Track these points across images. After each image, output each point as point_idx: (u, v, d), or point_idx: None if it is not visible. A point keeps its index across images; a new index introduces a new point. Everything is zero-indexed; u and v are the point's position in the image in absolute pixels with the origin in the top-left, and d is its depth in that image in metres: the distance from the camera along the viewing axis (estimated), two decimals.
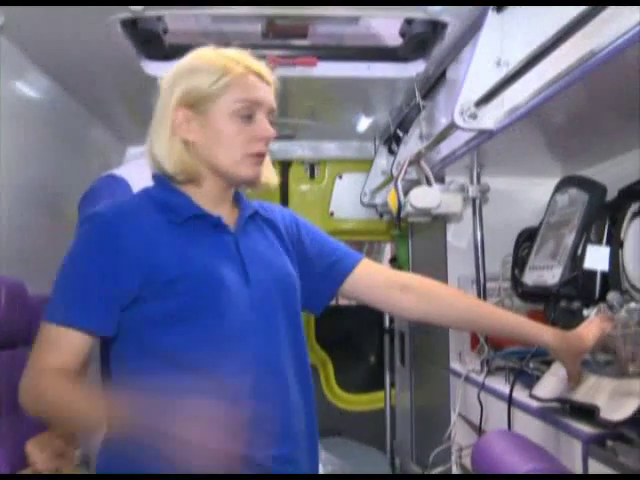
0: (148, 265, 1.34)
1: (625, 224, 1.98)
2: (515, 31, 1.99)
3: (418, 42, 2.60)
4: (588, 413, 1.56)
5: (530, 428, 1.83)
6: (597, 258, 2.04)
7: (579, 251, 2.12)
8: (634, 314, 1.71)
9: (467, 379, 2.48)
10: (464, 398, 2.51)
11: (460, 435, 2.56)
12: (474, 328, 2.14)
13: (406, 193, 2.72)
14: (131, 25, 2.38)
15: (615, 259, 1.98)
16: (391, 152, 3.61)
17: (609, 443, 1.45)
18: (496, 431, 1.81)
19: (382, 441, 4.70)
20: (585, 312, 1.93)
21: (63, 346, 1.32)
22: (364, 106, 3.55)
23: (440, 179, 2.79)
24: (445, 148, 2.57)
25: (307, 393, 1.48)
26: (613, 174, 2.23)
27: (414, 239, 3.70)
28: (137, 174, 2.06)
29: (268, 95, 1.44)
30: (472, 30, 2.21)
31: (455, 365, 2.74)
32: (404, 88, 3.03)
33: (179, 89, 1.43)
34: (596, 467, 1.46)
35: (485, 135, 2.14)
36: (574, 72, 1.60)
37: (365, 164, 4.11)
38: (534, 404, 1.82)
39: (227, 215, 1.48)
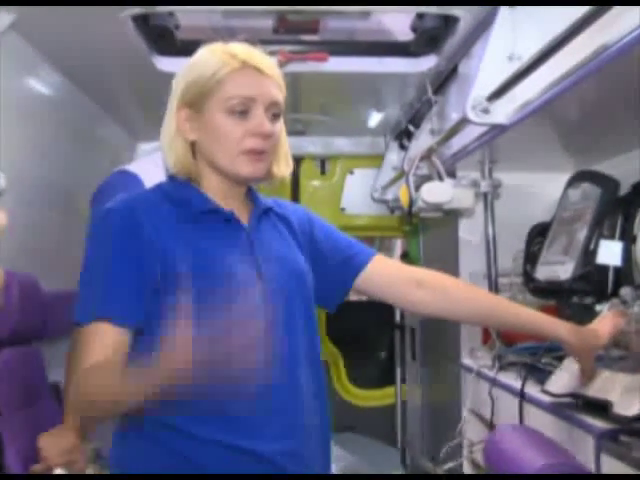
0: (164, 259, 1.34)
1: (638, 219, 1.97)
2: (527, 25, 1.99)
3: (429, 37, 2.59)
4: (601, 408, 1.56)
5: (542, 423, 1.82)
6: (610, 253, 2.03)
7: (592, 246, 2.11)
8: None
9: (478, 374, 2.48)
10: (475, 393, 2.50)
11: (471, 430, 2.56)
12: (489, 323, 2.13)
13: (417, 188, 2.71)
14: (142, 21, 2.39)
15: (628, 254, 1.97)
16: (402, 147, 3.60)
17: (622, 438, 1.45)
18: (508, 425, 1.80)
19: (393, 436, 4.71)
20: (598, 307, 1.93)
21: (102, 343, 1.30)
22: (375, 101, 3.54)
23: (452, 174, 2.78)
24: (457, 143, 2.56)
25: (320, 389, 1.48)
26: (626, 169, 2.22)
27: (425, 234, 3.69)
28: (149, 170, 2.07)
29: (267, 89, 1.42)
30: (484, 25, 2.20)
31: (466, 360, 2.74)
32: (415, 83, 3.02)
33: (180, 87, 1.44)
34: (609, 462, 1.45)
35: (497, 130, 2.13)
36: (586, 66, 1.59)
37: (376, 160, 4.10)
38: (546, 399, 1.82)
39: (239, 211, 1.48)
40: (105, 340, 1.31)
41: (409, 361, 4.29)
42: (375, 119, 3.84)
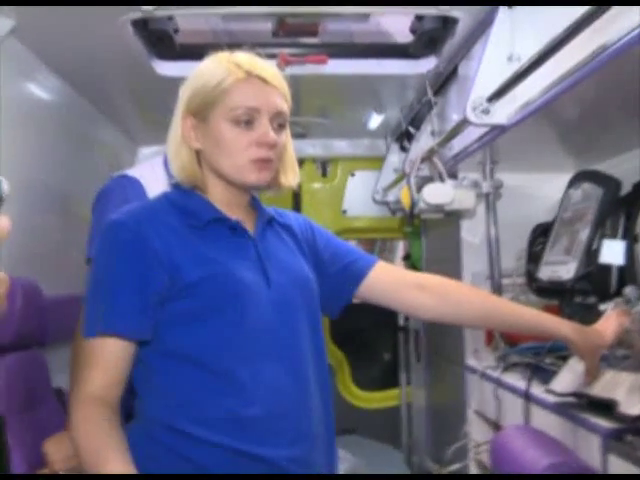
0: (171, 267, 1.34)
1: None
2: (526, 26, 1.98)
3: (429, 38, 2.59)
4: (606, 408, 1.56)
5: (547, 423, 1.82)
6: (612, 252, 2.03)
7: (594, 246, 2.11)
8: None
9: (483, 375, 2.48)
10: (480, 394, 2.50)
11: (476, 432, 2.56)
12: (492, 325, 2.13)
13: (419, 190, 2.71)
14: (142, 25, 2.39)
15: (631, 253, 1.97)
16: (403, 149, 3.60)
17: (628, 437, 1.45)
18: (514, 426, 1.80)
19: (398, 439, 4.71)
20: (601, 307, 1.92)
21: (107, 360, 1.32)
22: (375, 103, 3.54)
23: (453, 175, 2.78)
24: (457, 144, 2.56)
25: (326, 395, 1.48)
26: (627, 168, 2.22)
27: (427, 236, 3.69)
28: (150, 175, 2.06)
29: (272, 99, 1.42)
30: (483, 26, 2.20)
31: (470, 361, 2.74)
32: (415, 85, 3.02)
33: (186, 96, 1.44)
34: (615, 462, 1.45)
35: (497, 130, 2.13)
36: (586, 67, 1.59)
37: (377, 162, 4.10)
38: (551, 399, 1.82)
39: (244, 219, 1.48)
40: (110, 355, 1.32)
41: (413, 363, 4.29)
42: (375, 121, 3.84)
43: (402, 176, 3.31)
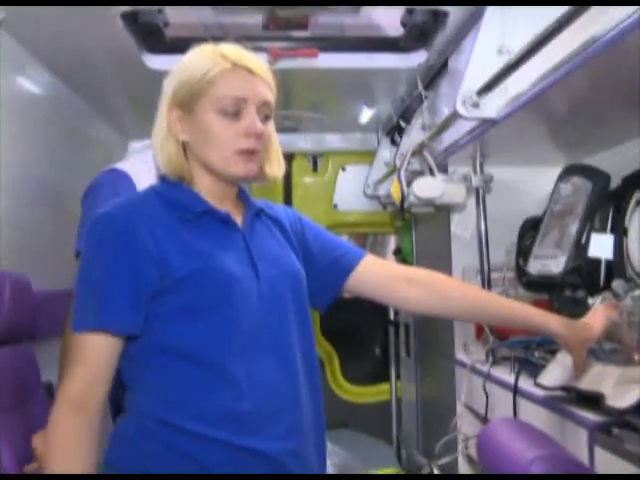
0: (160, 261, 1.33)
1: (629, 212, 1.98)
2: (516, 19, 1.99)
3: (419, 32, 2.60)
4: (593, 401, 1.57)
5: (536, 417, 1.82)
6: (601, 246, 2.03)
7: (583, 239, 2.12)
8: (639, 302, 1.71)
9: (472, 369, 2.48)
10: (469, 388, 2.51)
11: (466, 425, 2.57)
12: (480, 319, 2.14)
13: (409, 184, 2.71)
14: (132, 18, 2.38)
15: (619, 247, 1.98)
16: (394, 143, 3.60)
17: (615, 431, 1.45)
18: (501, 419, 1.80)
19: (388, 433, 4.70)
20: (590, 300, 1.93)
21: (95, 356, 1.31)
22: (366, 97, 3.54)
23: (443, 169, 2.78)
24: (448, 138, 2.57)
25: (315, 388, 1.48)
26: (616, 162, 2.22)
27: (418, 230, 3.70)
28: (139, 168, 2.06)
29: (258, 89, 1.41)
30: (473, 19, 2.20)
31: (460, 355, 2.74)
32: (406, 78, 3.02)
33: (171, 88, 1.44)
34: (602, 455, 1.46)
35: (488, 124, 2.13)
36: (576, 59, 1.60)
37: (368, 156, 4.11)
38: (539, 393, 1.82)
39: (232, 212, 1.48)
40: (97, 351, 1.31)
41: (404, 357, 4.30)
42: (366, 115, 3.84)
43: (393, 170, 3.31)
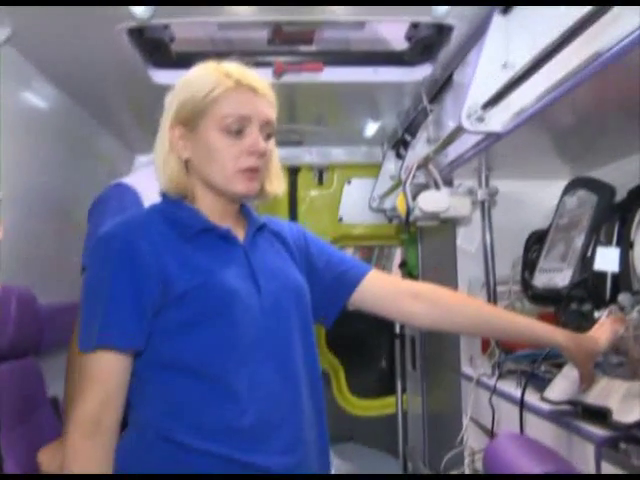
0: (162, 277, 1.34)
1: (635, 225, 1.97)
2: (520, 33, 1.99)
3: (424, 46, 2.61)
4: (600, 415, 1.56)
5: (542, 431, 1.82)
6: (607, 259, 2.03)
7: (589, 253, 2.11)
8: None
9: (478, 383, 2.47)
10: (476, 402, 2.50)
11: (472, 439, 2.56)
12: (486, 333, 2.13)
13: (415, 197, 2.71)
14: (138, 34, 2.39)
15: (625, 260, 1.97)
16: (399, 156, 3.60)
17: (622, 445, 1.44)
18: (507, 434, 1.80)
19: (394, 446, 4.69)
20: (596, 314, 1.92)
21: (105, 375, 1.31)
22: (371, 111, 3.55)
23: (448, 182, 2.78)
24: (453, 151, 2.57)
25: (318, 402, 1.48)
26: (621, 175, 2.22)
27: (423, 243, 3.69)
28: (146, 182, 2.06)
29: (262, 108, 1.43)
30: (478, 33, 2.20)
31: (466, 369, 2.74)
32: (411, 92, 3.02)
33: (174, 105, 1.44)
34: (609, 470, 1.45)
35: (492, 138, 2.13)
36: (580, 74, 1.60)
37: (373, 169, 4.11)
38: (546, 407, 1.82)
39: (234, 228, 1.49)
40: (106, 370, 1.32)
41: (409, 371, 4.29)
42: (372, 128, 3.84)
43: (398, 183, 3.31)
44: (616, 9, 1.37)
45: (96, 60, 2.55)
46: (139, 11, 2.15)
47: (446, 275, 2.91)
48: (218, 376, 1.34)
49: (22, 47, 2.38)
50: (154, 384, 1.36)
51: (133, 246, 1.35)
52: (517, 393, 2.00)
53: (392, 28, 2.65)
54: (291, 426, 1.38)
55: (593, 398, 1.62)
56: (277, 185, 1.55)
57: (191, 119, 1.41)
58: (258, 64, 2.57)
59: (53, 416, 2.44)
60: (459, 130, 2.14)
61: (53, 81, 2.76)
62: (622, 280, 1.98)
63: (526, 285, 2.51)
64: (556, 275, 2.25)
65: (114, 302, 1.33)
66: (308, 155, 4.33)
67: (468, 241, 2.81)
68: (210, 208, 1.46)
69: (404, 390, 4.60)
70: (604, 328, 1.65)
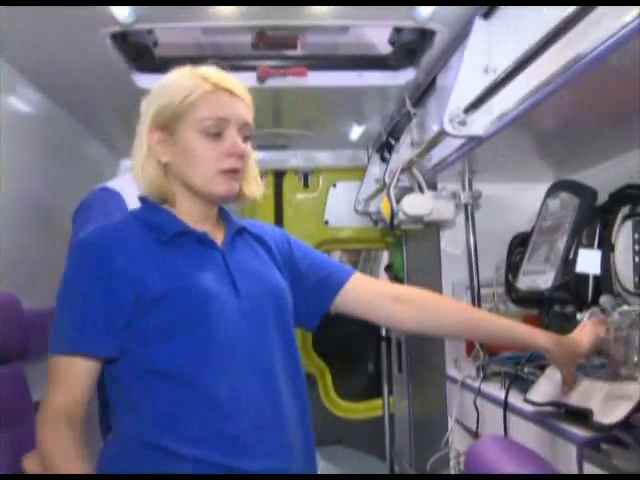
0: (138, 283, 1.34)
1: (616, 227, 1.98)
2: (502, 37, 2.01)
3: (408, 50, 2.62)
4: (582, 417, 1.57)
5: (526, 433, 1.83)
6: (589, 262, 2.04)
7: (571, 255, 2.13)
8: (626, 317, 1.71)
9: (463, 385, 2.48)
10: (461, 404, 2.51)
11: (458, 441, 2.56)
12: (469, 336, 2.15)
13: (399, 200, 2.72)
14: (121, 39, 2.39)
15: (607, 262, 1.98)
16: (384, 160, 3.62)
17: (603, 446, 1.46)
18: (488, 437, 1.81)
19: (381, 449, 4.69)
20: (579, 316, 1.93)
21: (72, 378, 1.33)
22: (356, 115, 3.57)
23: (432, 186, 2.80)
24: (436, 155, 2.58)
25: (302, 405, 1.48)
26: (603, 178, 2.24)
27: (408, 246, 3.70)
28: (130, 187, 2.04)
29: (239, 110, 1.43)
30: (460, 37, 2.22)
31: (451, 371, 2.74)
32: (395, 96, 3.04)
33: (151, 110, 1.45)
34: (591, 470, 1.46)
35: (475, 142, 2.14)
36: (561, 77, 1.61)
37: (358, 172, 4.13)
38: (529, 408, 1.83)
39: (213, 231, 1.49)
40: (74, 373, 1.33)
41: (396, 373, 4.29)
42: (356, 132, 3.86)
43: (383, 187, 3.32)
44: (598, 11, 1.38)
45: (80, 65, 2.55)
46: (122, 16, 2.15)
47: (431, 278, 2.91)
48: (198, 383, 1.34)
49: (6, 53, 2.38)
50: (136, 391, 1.37)
51: (107, 253, 1.36)
52: (501, 395, 2.01)
53: (375, 32, 2.66)
54: (275, 430, 1.39)
55: (575, 399, 1.63)
56: (255, 188, 1.55)
57: (169, 123, 1.42)
58: (242, 68, 2.59)
59: None
60: (442, 134, 2.15)
61: (37, 86, 2.76)
62: (603, 282, 1.99)
63: (510, 287, 2.53)
64: (539, 277, 2.26)
65: (85, 309, 1.34)
66: (294, 159, 4.34)
67: (452, 244, 2.82)
68: (189, 212, 1.47)
69: (391, 393, 4.61)
70: (586, 330, 1.66)
